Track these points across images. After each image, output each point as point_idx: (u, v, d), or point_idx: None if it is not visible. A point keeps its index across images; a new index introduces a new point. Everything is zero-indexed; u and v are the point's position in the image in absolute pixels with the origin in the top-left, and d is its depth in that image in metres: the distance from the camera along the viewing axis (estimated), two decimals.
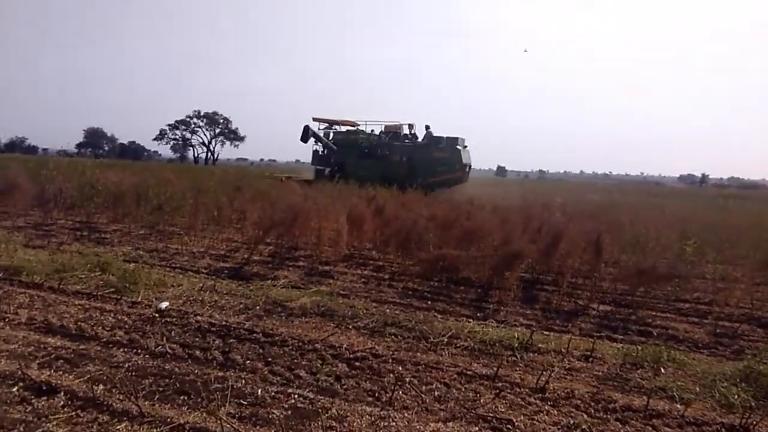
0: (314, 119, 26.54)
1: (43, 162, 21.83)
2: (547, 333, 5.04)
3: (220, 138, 74.39)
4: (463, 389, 3.64)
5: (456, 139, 24.31)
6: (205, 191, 11.49)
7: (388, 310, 5.42)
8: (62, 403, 3.05)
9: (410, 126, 26.47)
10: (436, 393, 3.56)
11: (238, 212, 10.21)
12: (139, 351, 3.95)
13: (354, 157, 25.08)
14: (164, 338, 4.22)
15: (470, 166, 25.47)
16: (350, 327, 4.82)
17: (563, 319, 5.67)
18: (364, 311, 5.29)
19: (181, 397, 3.23)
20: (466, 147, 24.76)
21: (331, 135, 26.89)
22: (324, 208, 8.23)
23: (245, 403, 3.22)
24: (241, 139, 73.62)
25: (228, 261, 7.53)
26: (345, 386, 3.56)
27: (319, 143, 26.46)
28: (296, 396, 3.35)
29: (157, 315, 4.77)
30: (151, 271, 6.26)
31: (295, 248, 8.53)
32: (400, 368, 3.92)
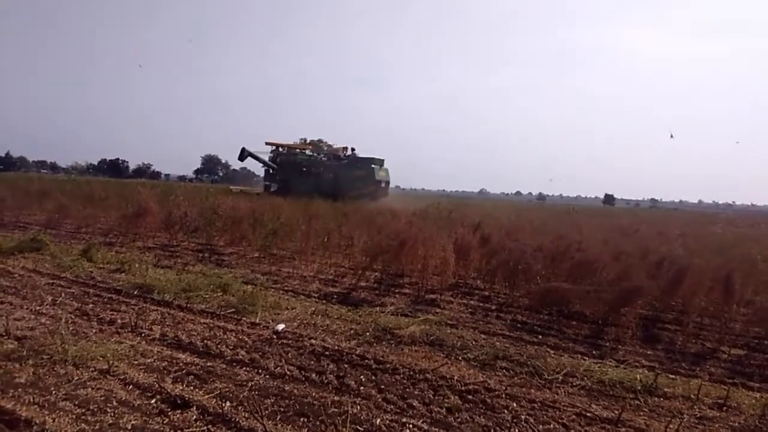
0: (266, 143, 32.58)
1: (170, 187, 23.83)
2: (672, 376, 4.69)
3: None
4: None
5: (372, 159, 29.84)
6: (316, 217, 11.97)
7: (497, 343, 5.31)
8: (195, 417, 3.26)
9: (344, 149, 32.40)
10: None
11: (347, 238, 10.49)
12: (260, 371, 4.14)
13: (295, 175, 30.57)
14: (282, 360, 4.40)
15: (387, 183, 31.20)
16: (460, 358, 4.77)
17: (690, 362, 5.25)
18: (473, 343, 5.22)
19: (302, 419, 3.34)
20: (382, 166, 30.20)
21: (278, 157, 32.60)
22: (430, 236, 8.23)
23: (362, 429, 3.27)
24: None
25: (336, 286, 7.75)
26: (459, 419, 3.52)
27: (259, 162, 32.50)
28: (411, 426, 3.35)
29: (274, 336, 5.00)
30: (266, 293, 6.58)
31: (401, 275, 8.60)
32: (515, 405, 3.81)
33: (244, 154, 31.34)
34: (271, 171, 32.93)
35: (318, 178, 29.79)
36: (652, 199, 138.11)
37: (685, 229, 18.35)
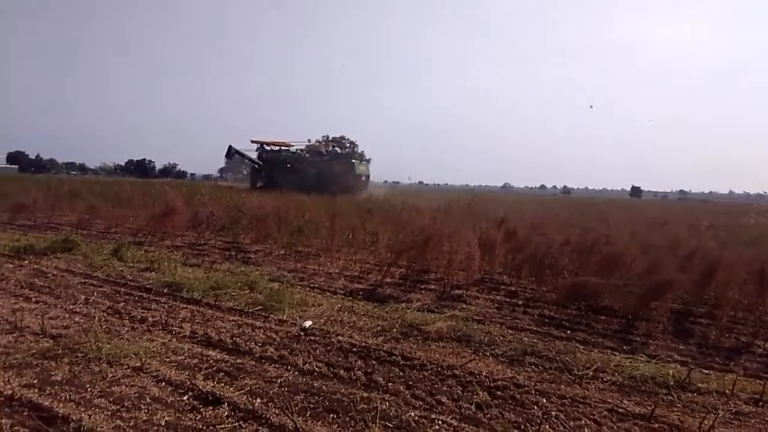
0: (252, 141, 34.54)
1: (195, 187, 24.19)
2: (706, 371, 4.59)
3: None
4: (616, 428, 3.42)
5: (352, 155, 33.95)
6: (340, 214, 12.01)
7: (525, 338, 5.27)
8: (226, 413, 3.30)
9: (326, 144, 36.23)
10: (586, 430, 3.37)
11: (371, 235, 10.50)
12: (289, 367, 4.18)
13: (280, 171, 32.57)
14: (310, 356, 4.43)
15: (367, 177, 34.00)
16: (488, 354, 4.74)
17: (723, 356, 5.14)
18: (501, 338, 5.20)
19: (331, 416, 3.36)
20: (362, 161, 33.99)
21: (264, 154, 34.67)
22: (455, 232, 8.19)
23: (391, 425, 3.27)
24: (367, 161, 77.76)
25: (362, 282, 7.76)
26: (488, 416, 3.50)
27: (246, 160, 35.05)
28: (440, 422, 3.34)
29: (302, 333, 5.03)
30: (293, 291, 6.63)
31: (426, 271, 8.58)
32: (545, 401, 3.78)
33: (231, 152, 33.35)
34: (257, 167, 35.02)
35: (302, 174, 31.61)
36: (681, 191, 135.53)
37: (715, 221, 17.97)
